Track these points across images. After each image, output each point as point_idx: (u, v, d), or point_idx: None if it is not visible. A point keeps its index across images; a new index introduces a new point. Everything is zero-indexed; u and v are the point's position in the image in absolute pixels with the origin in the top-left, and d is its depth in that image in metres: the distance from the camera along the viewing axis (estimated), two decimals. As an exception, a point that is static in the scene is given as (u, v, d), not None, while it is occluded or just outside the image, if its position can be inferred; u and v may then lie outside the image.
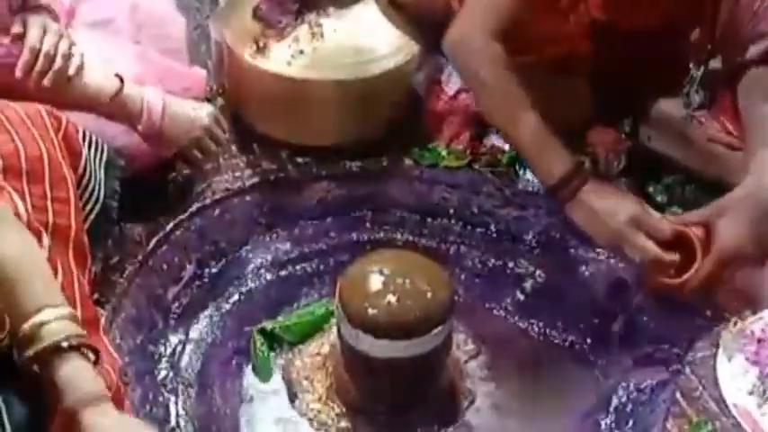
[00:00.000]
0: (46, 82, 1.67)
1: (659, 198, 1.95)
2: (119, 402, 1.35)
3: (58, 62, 1.68)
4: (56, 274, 1.36)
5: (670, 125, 1.97)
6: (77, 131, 1.61)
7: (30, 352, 1.18)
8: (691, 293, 1.66)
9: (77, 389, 1.17)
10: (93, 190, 1.64)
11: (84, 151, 1.62)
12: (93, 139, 1.66)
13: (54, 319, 1.19)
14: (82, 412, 1.16)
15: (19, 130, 1.47)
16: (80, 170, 1.59)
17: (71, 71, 1.70)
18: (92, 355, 1.21)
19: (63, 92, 1.71)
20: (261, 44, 2.01)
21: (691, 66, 1.87)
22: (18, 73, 1.65)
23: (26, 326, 1.18)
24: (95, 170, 1.65)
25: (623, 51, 1.94)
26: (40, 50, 1.67)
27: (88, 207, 1.62)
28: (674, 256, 1.65)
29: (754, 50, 1.76)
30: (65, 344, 1.17)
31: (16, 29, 1.69)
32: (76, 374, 1.17)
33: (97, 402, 1.17)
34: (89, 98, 1.74)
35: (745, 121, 1.79)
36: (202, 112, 1.86)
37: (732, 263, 1.64)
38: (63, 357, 1.17)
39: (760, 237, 1.63)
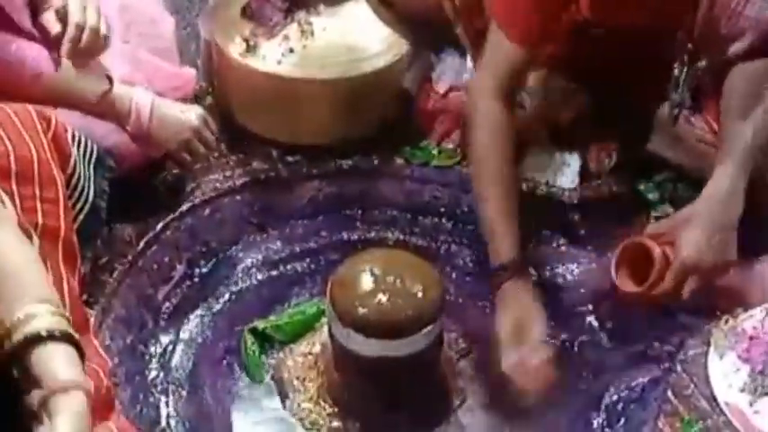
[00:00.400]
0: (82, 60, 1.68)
1: (650, 196, 1.96)
2: (108, 404, 1.34)
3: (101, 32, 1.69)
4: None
5: (660, 123, 1.97)
6: (66, 132, 1.61)
7: (13, 341, 1.12)
8: (655, 301, 1.70)
9: (53, 376, 1.10)
10: (83, 190, 1.63)
11: (74, 152, 1.61)
12: (83, 139, 1.66)
13: (43, 313, 1.15)
14: (51, 399, 1.09)
15: (8, 130, 1.46)
16: (69, 170, 1.59)
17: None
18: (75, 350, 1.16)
19: (52, 90, 1.71)
20: (251, 43, 2.01)
21: (674, 66, 1.87)
22: (65, 54, 1.65)
23: (14, 318, 1.14)
24: (84, 170, 1.64)
25: (612, 50, 1.94)
26: (83, 25, 1.66)
27: (77, 207, 1.62)
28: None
29: (735, 48, 1.76)
30: (44, 333, 1.12)
31: (57, 25, 1.67)
32: (54, 361, 1.11)
33: (67, 391, 1.10)
34: (77, 97, 1.73)
35: (719, 129, 1.81)
36: (191, 114, 1.85)
37: (693, 274, 1.67)
38: (43, 347, 1.12)
39: (718, 248, 1.67)
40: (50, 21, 1.68)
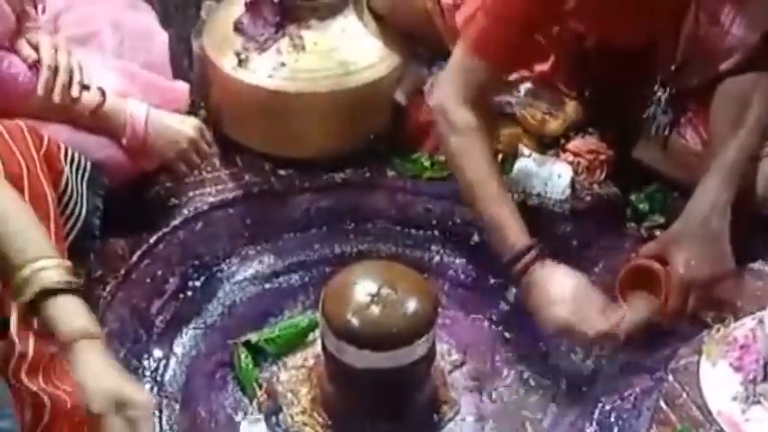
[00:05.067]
0: (57, 98, 1.73)
1: (641, 207, 1.96)
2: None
3: (75, 77, 1.76)
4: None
5: (653, 136, 1.98)
6: (59, 149, 1.62)
7: (27, 295, 1.22)
8: (664, 324, 1.71)
9: (70, 323, 1.21)
10: (75, 207, 1.64)
11: (66, 169, 1.62)
12: (76, 156, 1.67)
13: (52, 267, 1.24)
14: (72, 346, 1.20)
15: None
16: (61, 187, 1.59)
17: (76, 87, 1.76)
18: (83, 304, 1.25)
19: (46, 106, 1.72)
20: (242, 57, 2.02)
21: (655, 88, 1.89)
22: (40, 92, 1.71)
23: (25, 271, 1.23)
24: (77, 187, 1.65)
25: (602, 68, 1.96)
26: (57, 68, 1.72)
27: (69, 224, 1.62)
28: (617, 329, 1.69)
29: (723, 66, 1.77)
30: (56, 285, 1.22)
31: (31, 53, 1.74)
32: (70, 310, 1.22)
33: (90, 337, 1.21)
34: (70, 111, 1.74)
35: (709, 141, 1.82)
36: (188, 125, 1.87)
37: (693, 289, 1.68)
38: (58, 297, 1.22)
39: (713, 259, 1.69)
40: (25, 53, 1.74)
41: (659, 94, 1.90)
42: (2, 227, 1.25)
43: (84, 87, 1.76)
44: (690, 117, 1.92)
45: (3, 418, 1.22)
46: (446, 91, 1.83)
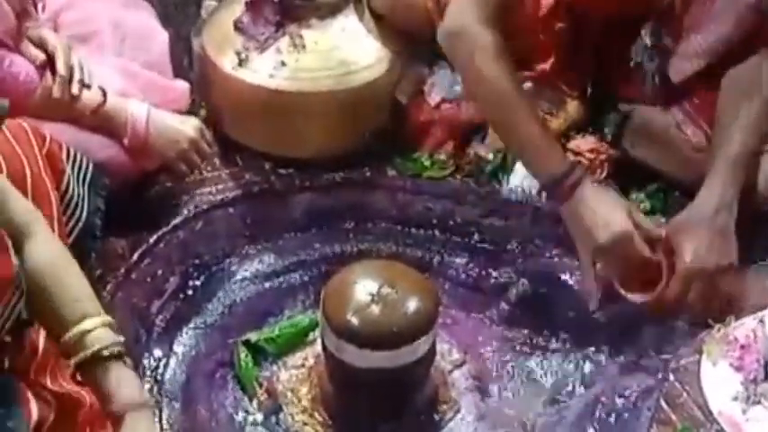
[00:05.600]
0: (56, 93, 1.74)
1: (642, 206, 1.96)
2: (102, 418, 1.34)
3: (76, 75, 1.76)
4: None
5: (652, 132, 1.98)
6: (61, 149, 1.62)
7: (74, 360, 1.24)
8: (660, 309, 1.72)
9: (119, 393, 1.24)
10: (76, 207, 1.64)
11: (68, 169, 1.62)
12: (78, 156, 1.67)
13: (95, 328, 1.25)
14: (122, 416, 1.23)
15: (2, 146, 1.46)
16: (63, 187, 1.60)
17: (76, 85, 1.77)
18: (130, 361, 1.28)
19: (47, 105, 1.72)
20: (242, 56, 2.02)
21: (642, 32, 1.88)
22: (56, 94, 1.73)
23: (69, 335, 1.25)
24: (78, 188, 1.65)
25: (589, 36, 1.97)
26: (72, 67, 1.75)
27: (71, 224, 1.62)
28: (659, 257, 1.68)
29: (714, 36, 1.79)
30: (106, 352, 1.24)
31: (38, 53, 1.75)
32: (120, 378, 1.25)
33: (139, 408, 1.25)
34: (71, 110, 1.74)
35: (712, 135, 1.82)
36: (189, 125, 1.87)
37: (697, 279, 1.69)
38: (106, 365, 1.25)
39: (719, 252, 1.70)
40: (32, 53, 1.75)
41: (645, 39, 1.89)
42: (48, 283, 1.26)
43: (85, 86, 1.76)
44: (689, 111, 1.92)
45: (11, 418, 1.23)
46: (464, 11, 1.76)
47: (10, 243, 1.22)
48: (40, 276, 1.26)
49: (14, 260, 1.22)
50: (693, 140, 1.91)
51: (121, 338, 1.28)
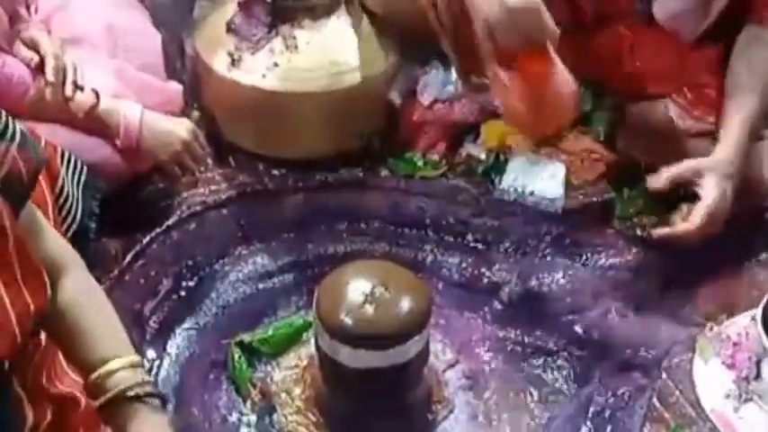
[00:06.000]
0: (49, 96, 1.73)
1: (635, 205, 1.96)
2: (96, 419, 1.35)
3: (69, 76, 1.76)
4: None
5: (646, 130, 1.99)
6: (56, 152, 1.62)
7: (98, 403, 1.21)
8: (689, 241, 1.81)
9: None
10: (70, 210, 1.64)
11: (62, 172, 1.62)
12: (72, 159, 1.67)
13: (120, 369, 1.21)
14: None
15: None
16: (56, 190, 1.59)
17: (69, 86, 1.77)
18: (158, 402, 1.24)
19: (40, 107, 1.72)
20: (235, 57, 2.02)
21: None
22: (49, 97, 1.72)
23: (94, 376, 1.21)
24: (73, 190, 1.65)
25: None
26: (65, 69, 1.74)
27: (65, 226, 1.62)
28: None
29: None
30: (130, 393, 1.20)
31: (32, 55, 1.75)
32: (143, 427, 1.20)
33: None
34: (63, 111, 1.74)
35: (727, 85, 1.86)
36: (181, 127, 1.86)
37: (716, 219, 1.78)
38: (130, 408, 1.20)
39: (737, 197, 1.80)
40: (25, 55, 1.75)
41: None
42: (77, 322, 1.24)
43: (78, 88, 1.76)
44: (685, 106, 1.94)
45: (5, 421, 1.23)
46: None
47: (46, 277, 1.19)
48: (69, 314, 1.23)
49: (49, 292, 1.19)
50: (691, 132, 1.92)
51: (149, 379, 1.24)
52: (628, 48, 1.98)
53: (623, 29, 1.98)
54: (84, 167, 1.70)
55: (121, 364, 1.22)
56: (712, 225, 1.78)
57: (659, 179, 1.85)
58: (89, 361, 1.22)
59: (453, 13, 1.99)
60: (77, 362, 1.25)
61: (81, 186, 1.68)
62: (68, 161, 1.66)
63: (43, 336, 1.34)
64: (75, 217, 1.65)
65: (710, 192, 1.78)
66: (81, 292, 1.26)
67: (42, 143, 1.58)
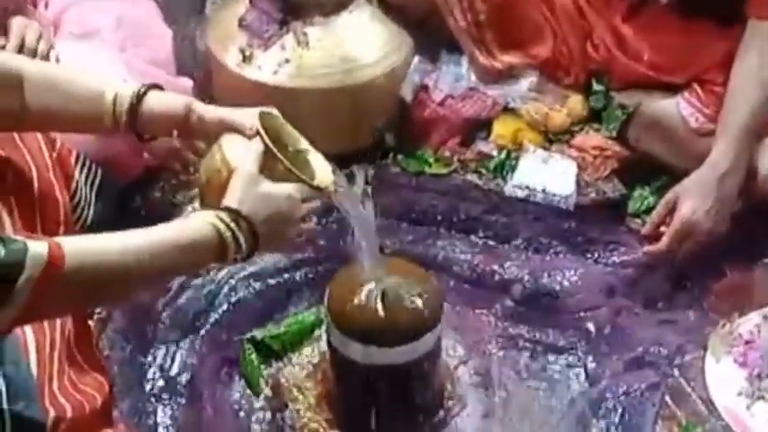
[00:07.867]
0: None
1: (646, 202, 1.96)
2: (107, 415, 1.35)
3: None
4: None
5: (658, 126, 1.98)
6: (71, 154, 1.62)
7: (128, 102, 1.33)
8: (656, 258, 1.84)
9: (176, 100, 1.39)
10: (83, 212, 1.65)
11: (77, 174, 1.62)
12: (87, 162, 1.67)
13: (122, 85, 1.35)
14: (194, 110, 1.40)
15: (10, 150, 1.46)
16: (70, 192, 1.60)
17: None
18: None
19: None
20: (247, 53, 2.02)
21: None
22: None
23: (108, 94, 1.33)
24: (87, 193, 1.66)
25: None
26: (23, 45, 1.70)
27: (77, 227, 1.62)
28: None
29: None
30: (143, 89, 1.35)
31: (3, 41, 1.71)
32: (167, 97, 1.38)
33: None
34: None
35: (727, 93, 1.84)
36: None
37: (688, 236, 1.79)
38: (149, 96, 1.35)
39: (714, 218, 1.78)
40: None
41: None
42: (59, 83, 1.32)
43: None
44: (696, 105, 1.93)
45: (29, 412, 1.23)
46: None
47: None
48: (46, 84, 1.31)
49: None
50: (703, 130, 1.91)
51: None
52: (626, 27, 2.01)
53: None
54: (99, 170, 1.71)
55: (115, 86, 1.34)
56: (691, 242, 1.80)
57: (648, 228, 1.88)
58: (94, 93, 1.32)
59: None
60: (78, 115, 1.34)
61: (95, 189, 1.69)
62: (83, 164, 1.67)
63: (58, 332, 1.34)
64: (86, 220, 1.66)
65: (679, 214, 1.79)
66: (45, 66, 1.38)
67: (58, 144, 1.58)
